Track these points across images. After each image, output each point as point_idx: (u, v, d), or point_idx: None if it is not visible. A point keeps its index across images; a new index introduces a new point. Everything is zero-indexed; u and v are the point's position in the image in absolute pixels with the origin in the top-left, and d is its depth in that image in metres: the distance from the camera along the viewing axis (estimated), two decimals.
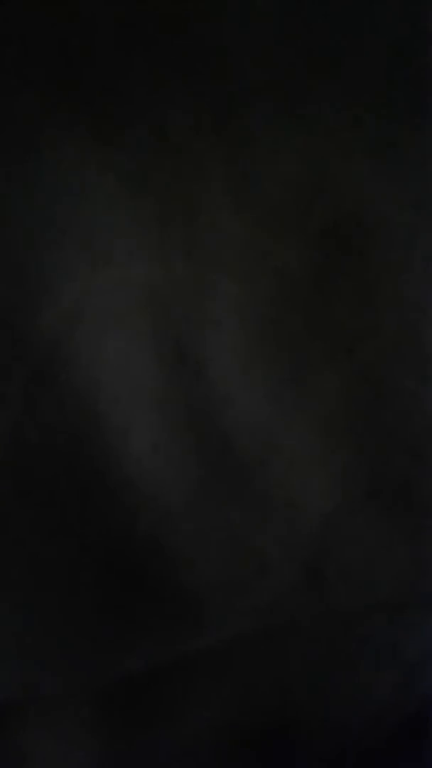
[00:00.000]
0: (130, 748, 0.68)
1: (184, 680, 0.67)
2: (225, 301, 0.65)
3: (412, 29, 0.67)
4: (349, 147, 0.66)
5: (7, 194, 0.62)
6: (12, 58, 0.62)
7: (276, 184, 0.65)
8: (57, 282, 0.63)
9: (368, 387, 0.67)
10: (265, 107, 0.65)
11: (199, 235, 0.64)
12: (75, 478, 0.63)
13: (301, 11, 0.65)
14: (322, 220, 0.66)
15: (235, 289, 0.65)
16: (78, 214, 0.63)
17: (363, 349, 0.67)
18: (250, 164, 0.65)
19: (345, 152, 0.66)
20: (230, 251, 0.65)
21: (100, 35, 0.63)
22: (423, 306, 0.67)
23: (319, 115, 0.66)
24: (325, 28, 0.65)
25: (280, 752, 0.70)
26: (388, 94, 0.66)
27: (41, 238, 0.62)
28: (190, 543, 0.65)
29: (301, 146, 0.65)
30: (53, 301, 0.63)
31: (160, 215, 0.64)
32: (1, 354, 0.62)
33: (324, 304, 0.66)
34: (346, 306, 0.66)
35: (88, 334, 0.63)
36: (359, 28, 0.66)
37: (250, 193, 0.65)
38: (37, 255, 0.62)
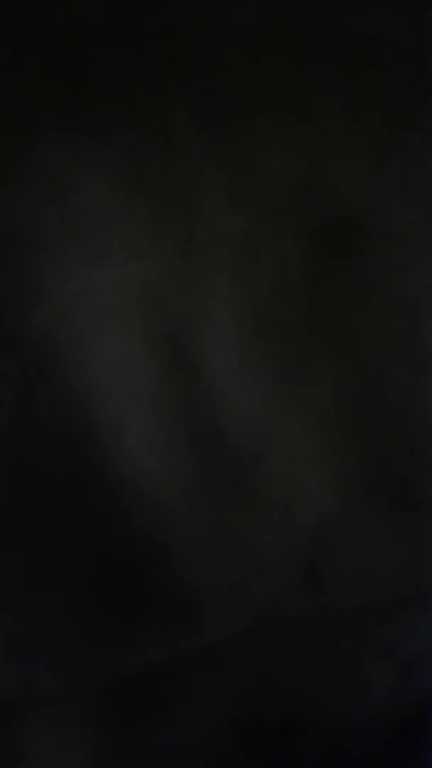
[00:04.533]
0: (128, 745, 0.68)
1: (182, 678, 0.67)
2: (221, 299, 0.65)
3: (411, 26, 0.67)
4: (346, 144, 0.66)
5: (1, 191, 0.62)
6: (7, 55, 0.62)
7: (273, 182, 0.65)
8: (51, 280, 0.63)
9: (365, 384, 0.67)
10: (262, 105, 0.65)
11: (195, 232, 0.64)
12: (70, 477, 0.63)
13: (300, 9, 0.65)
14: (319, 218, 0.66)
15: (232, 286, 0.65)
16: (73, 212, 0.63)
17: (360, 345, 0.67)
18: (246, 161, 0.65)
19: (342, 149, 0.66)
20: (226, 249, 0.65)
21: (96, 33, 0.63)
22: (420, 303, 0.67)
23: (317, 113, 0.66)
24: (323, 26, 0.65)
25: (279, 751, 0.70)
26: (386, 91, 0.66)
27: (36, 236, 0.62)
28: (186, 541, 0.65)
29: (298, 144, 0.65)
30: (48, 300, 0.63)
31: (156, 213, 0.64)
32: None
33: (321, 302, 0.66)
34: (343, 303, 0.66)
35: (82, 332, 0.63)
36: (357, 25, 0.66)
37: (246, 190, 0.65)
38: (32, 253, 0.62)
